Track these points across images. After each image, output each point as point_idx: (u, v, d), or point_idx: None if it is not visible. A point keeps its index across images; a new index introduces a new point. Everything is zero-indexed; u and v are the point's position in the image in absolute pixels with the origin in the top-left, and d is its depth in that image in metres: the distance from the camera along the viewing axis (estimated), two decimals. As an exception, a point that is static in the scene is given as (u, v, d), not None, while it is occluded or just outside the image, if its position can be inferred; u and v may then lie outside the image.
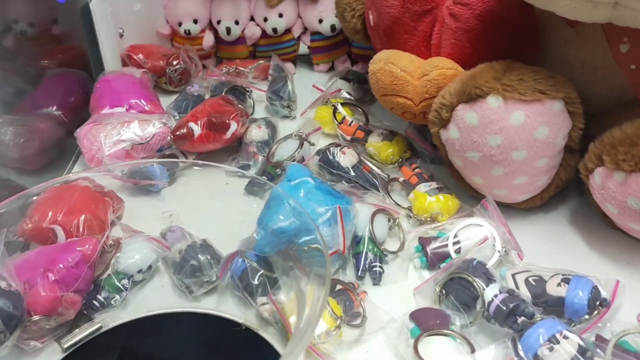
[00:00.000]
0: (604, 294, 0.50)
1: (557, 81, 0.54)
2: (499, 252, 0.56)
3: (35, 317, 0.48)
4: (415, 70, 0.62)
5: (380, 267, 0.56)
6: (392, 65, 0.62)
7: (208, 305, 0.54)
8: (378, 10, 0.66)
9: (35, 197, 0.57)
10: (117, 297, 0.53)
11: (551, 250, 0.59)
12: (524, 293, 0.52)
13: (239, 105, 0.71)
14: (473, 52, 0.62)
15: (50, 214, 0.56)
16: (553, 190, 0.61)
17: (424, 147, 0.69)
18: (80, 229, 0.57)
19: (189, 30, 0.86)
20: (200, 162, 0.62)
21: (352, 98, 0.79)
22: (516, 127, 0.54)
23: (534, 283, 0.52)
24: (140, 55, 0.83)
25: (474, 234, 0.57)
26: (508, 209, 0.63)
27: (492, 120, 0.54)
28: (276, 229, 0.52)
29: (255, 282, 0.52)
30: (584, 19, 0.50)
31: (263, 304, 0.51)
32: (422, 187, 0.63)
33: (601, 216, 0.60)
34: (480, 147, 0.56)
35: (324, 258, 0.47)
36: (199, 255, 0.54)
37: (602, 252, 0.59)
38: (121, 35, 0.84)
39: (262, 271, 0.52)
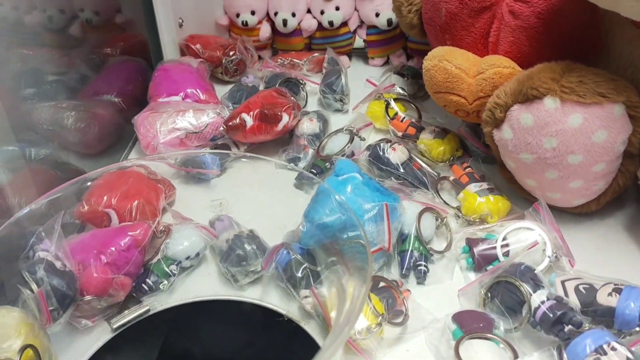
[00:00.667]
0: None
1: (619, 84, 0.52)
2: (549, 257, 0.54)
3: (87, 297, 0.50)
4: (470, 68, 0.61)
5: (425, 266, 0.56)
6: (447, 62, 0.61)
7: (252, 294, 0.55)
8: (435, 6, 0.65)
9: (91, 182, 0.59)
10: (165, 282, 0.55)
11: (605, 258, 0.58)
12: (573, 301, 0.50)
13: (292, 98, 0.71)
14: (532, 51, 0.60)
15: (105, 198, 0.58)
16: (610, 195, 0.59)
17: (476, 146, 0.68)
18: (133, 214, 0.58)
19: (246, 22, 0.87)
20: (249, 154, 0.62)
21: (406, 94, 0.78)
22: (573, 130, 0.52)
23: (584, 291, 0.51)
24: (198, 45, 0.85)
25: (524, 238, 0.56)
26: (562, 213, 0.61)
27: (548, 122, 0.53)
28: (321, 223, 0.52)
29: (299, 274, 0.52)
30: (650, 19, 0.48)
31: (305, 296, 0.52)
32: (473, 187, 0.62)
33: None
34: (535, 150, 0.54)
35: (367, 255, 0.47)
36: (246, 245, 0.55)
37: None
38: (180, 25, 0.86)
39: (305, 264, 0.53)
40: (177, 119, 0.70)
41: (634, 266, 0.56)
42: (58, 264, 0.48)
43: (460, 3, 0.63)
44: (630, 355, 0.44)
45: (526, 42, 0.60)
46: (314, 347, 0.51)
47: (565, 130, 0.52)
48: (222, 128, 0.70)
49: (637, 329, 0.48)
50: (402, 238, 0.57)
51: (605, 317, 0.49)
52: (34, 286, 0.46)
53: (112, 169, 0.59)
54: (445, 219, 0.60)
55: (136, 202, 0.59)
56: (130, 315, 0.53)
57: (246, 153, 0.63)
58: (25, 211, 0.49)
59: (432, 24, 0.68)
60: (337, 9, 0.85)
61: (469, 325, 0.49)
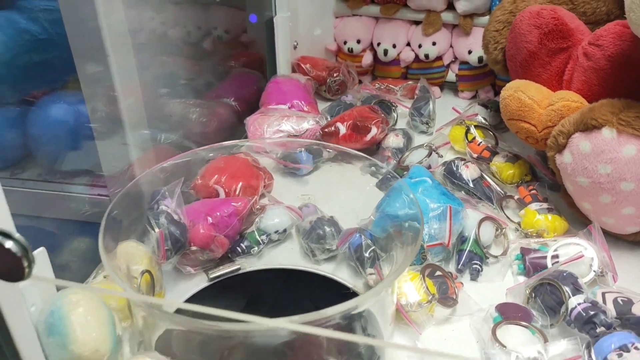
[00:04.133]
0: (688, 322, 0.53)
1: (674, 122, 0.58)
2: (594, 271, 0.60)
3: (194, 248, 0.62)
4: (542, 100, 0.68)
5: (480, 265, 0.63)
6: (522, 93, 0.69)
7: (326, 269, 0.65)
8: (517, 45, 0.73)
9: (207, 162, 0.71)
10: (256, 248, 0.66)
11: (652, 285, 0.62)
12: (610, 310, 0.56)
13: (382, 115, 0.81)
14: (601, 90, 0.67)
15: (216, 176, 0.70)
16: (663, 227, 0.63)
17: (544, 172, 0.75)
18: (237, 192, 0.70)
19: (351, 49, 0.99)
20: (343, 148, 0.70)
21: (487, 123, 0.86)
22: (627, 159, 0.58)
23: (621, 302, 0.56)
24: (308, 65, 0.97)
25: (573, 252, 0.62)
26: (617, 240, 0.66)
27: (604, 150, 0.59)
28: (391, 213, 0.61)
29: (367, 255, 0.61)
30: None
31: (370, 273, 0.61)
32: (534, 206, 0.69)
33: None
34: (590, 174, 0.61)
35: (421, 251, 0.56)
36: (325, 227, 0.65)
37: None
38: (295, 47, 0.99)
39: (373, 247, 0.62)
40: (281, 123, 0.82)
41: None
42: (175, 216, 0.60)
43: (539, 44, 0.71)
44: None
45: (596, 82, 0.67)
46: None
47: (619, 158, 0.58)
48: (318, 134, 0.81)
49: (666, 340, 0.53)
50: (462, 239, 0.65)
51: (638, 326, 0.54)
52: (156, 229, 0.58)
53: (224, 147, 0.69)
54: (504, 230, 0.67)
55: (240, 183, 0.71)
56: (224, 270, 0.64)
57: (343, 148, 0.71)
58: (157, 167, 0.60)
59: (513, 61, 0.76)
60: (434, 44, 0.95)
61: (509, 314, 0.56)
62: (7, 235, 0.33)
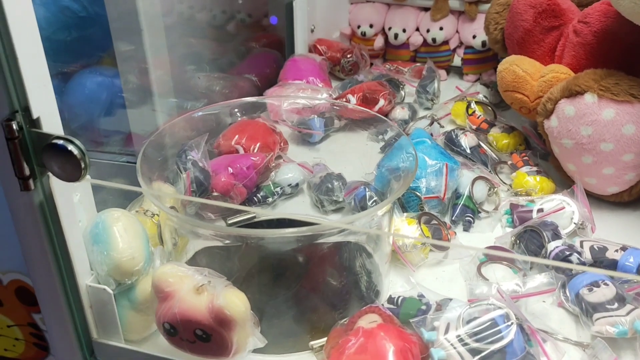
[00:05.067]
0: (656, 265, 0.59)
1: (650, 89, 0.64)
2: (575, 223, 0.66)
3: (215, 193, 0.69)
4: (535, 73, 0.75)
5: (472, 217, 0.70)
6: (516, 66, 0.75)
7: (334, 218, 0.72)
8: (514, 24, 0.80)
9: (229, 124, 0.79)
10: (271, 199, 0.73)
11: (631, 241, 0.67)
12: (586, 256, 0.62)
13: (390, 88, 0.88)
14: (588, 64, 0.73)
15: (236, 137, 0.78)
16: (641, 187, 0.70)
17: (537, 142, 0.81)
18: (255, 151, 0.77)
19: (364, 32, 1.06)
20: (360, 108, 0.77)
21: (488, 100, 0.92)
22: (606, 121, 0.65)
23: (597, 249, 0.63)
24: (324, 47, 1.05)
25: (557, 207, 0.68)
26: (599, 201, 0.73)
27: (586, 113, 0.65)
28: (391, 166, 0.68)
29: (370, 205, 0.68)
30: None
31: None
32: (524, 169, 0.75)
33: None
34: (574, 135, 0.67)
35: (419, 202, 0.63)
36: (334, 181, 0.72)
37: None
38: (312, 30, 1.07)
39: (375, 198, 0.69)
40: (297, 95, 0.90)
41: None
42: (200, 164, 0.68)
43: (534, 22, 0.77)
44: (620, 291, 0.55)
45: (584, 57, 0.74)
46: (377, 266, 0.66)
47: (599, 121, 0.65)
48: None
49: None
50: (457, 195, 0.71)
51: (609, 268, 0.60)
52: (184, 172, 0.66)
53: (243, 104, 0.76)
54: (496, 189, 0.73)
55: (259, 144, 0.78)
56: (241, 217, 0.71)
57: (358, 106, 0.77)
58: (185, 116, 0.68)
59: (511, 39, 0.83)
60: (441, 29, 1.02)
61: (494, 256, 0.63)
62: (70, 141, 0.41)
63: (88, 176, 0.54)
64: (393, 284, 0.61)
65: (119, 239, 0.50)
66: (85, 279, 0.51)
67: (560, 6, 0.76)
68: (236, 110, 0.73)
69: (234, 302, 0.47)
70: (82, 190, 0.52)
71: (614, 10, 0.70)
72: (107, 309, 0.51)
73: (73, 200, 0.49)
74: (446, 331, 0.51)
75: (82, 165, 0.41)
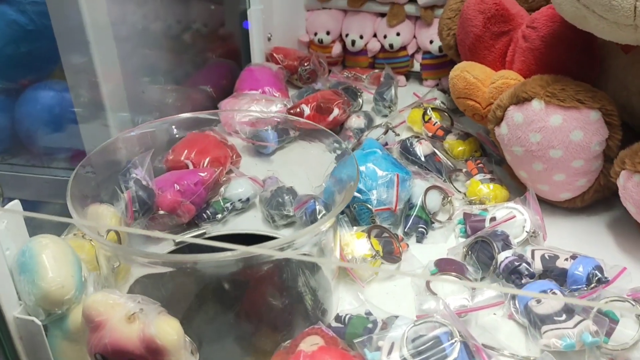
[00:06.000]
0: (606, 274, 0.58)
1: (597, 94, 0.64)
2: (527, 232, 0.65)
3: (161, 212, 0.67)
4: (486, 79, 0.74)
5: (425, 228, 0.69)
6: (467, 73, 0.75)
7: (284, 233, 0.70)
8: (465, 30, 0.79)
9: (178, 139, 0.77)
10: (220, 215, 0.71)
11: (583, 248, 0.67)
12: (537, 265, 0.61)
13: (344, 97, 0.87)
14: (537, 70, 0.72)
15: (186, 152, 0.76)
16: (593, 193, 0.69)
17: (491, 148, 0.80)
18: (205, 166, 0.76)
19: (321, 40, 1.05)
20: (311, 122, 0.75)
21: (445, 106, 0.92)
22: (554, 128, 0.64)
23: (547, 258, 0.62)
24: (280, 55, 1.03)
25: (508, 215, 0.67)
26: (553, 208, 0.72)
27: (534, 120, 0.65)
28: (337, 177, 0.66)
29: (319, 218, 0.67)
30: (615, 39, 0.60)
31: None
32: (478, 177, 0.74)
33: (635, 224, 0.67)
34: (523, 143, 0.66)
35: (370, 214, 0.62)
36: (284, 195, 0.71)
37: (629, 253, 0.66)
38: (269, 39, 1.05)
39: (324, 212, 0.67)
40: (252, 106, 0.88)
41: (607, 255, 0.65)
42: (144, 182, 0.66)
43: (483, 27, 0.77)
44: (568, 303, 0.55)
45: (533, 62, 0.73)
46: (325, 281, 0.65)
47: (547, 127, 0.64)
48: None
49: (584, 288, 0.58)
50: (410, 206, 0.70)
51: (559, 277, 0.59)
52: (125, 192, 0.64)
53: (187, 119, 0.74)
54: (450, 198, 0.72)
55: (208, 158, 0.76)
56: (190, 234, 0.70)
57: (308, 120, 0.76)
58: (127, 134, 0.66)
59: (462, 45, 0.82)
60: (398, 34, 1.01)
61: (444, 268, 0.61)
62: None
63: (16, 201, 0.52)
64: (342, 301, 0.60)
65: (47, 267, 0.48)
66: (12, 310, 0.49)
67: (509, 11, 0.75)
68: (175, 127, 0.71)
69: (166, 330, 0.45)
70: (9, 217, 0.50)
71: (560, 15, 0.69)
72: (37, 341, 0.49)
73: (-5, 229, 0.47)
74: (390, 351, 0.49)
75: (-5, 196, 0.39)
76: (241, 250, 0.44)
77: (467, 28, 0.79)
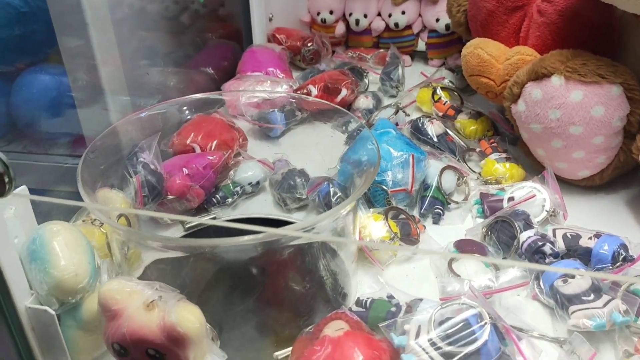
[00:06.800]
0: (631, 252, 0.57)
1: (618, 69, 0.62)
2: (547, 211, 0.64)
3: (170, 197, 0.65)
4: (500, 56, 0.72)
5: (442, 209, 0.67)
6: (481, 49, 0.73)
7: (297, 217, 0.68)
8: (477, 5, 0.77)
9: (184, 122, 0.75)
10: (230, 199, 0.69)
11: (601, 225, 0.65)
12: (560, 244, 0.60)
13: (352, 77, 0.85)
14: (554, 45, 0.71)
15: (192, 135, 0.74)
16: (612, 170, 0.67)
17: (505, 127, 0.79)
18: (212, 149, 0.73)
19: (325, 19, 1.03)
20: (318, 100, 0.73)
21: (454, 85, 0.90)
22: (574, 104, 0.62)
23: (570, 237, 0.60)
24: (283, 36, 1.01)
25: (527, 195, 0.66)
26: (570, 186, 0.70)
27: (554, 96, 0.63)
28: (354, 159, 0.64)
29: (334, 201, 0.65)
30: (638, 10, 0.58)
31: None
32: (493, 156, 0.73)
33: (655, 200, 0.66)
34: (542, 120, 0.65)
35: (385, 196, 0.60)
36: (296, 177, 0.69)
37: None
38: (270, 19, 1.03)
39: (339, 194, 0.65)
40: (256, 87, 0.86)
41: (626, 233, 0.64)
42: (152, 166, 0.64)
43: (497, 2, 0.74)
44: (595, 282, 0.53)
45: (549, 37, 0.71)
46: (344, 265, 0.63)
47: (567, 103, 0.62)
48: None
49: (610, 266, 0.57)
50: (425, 187, 0.69)
51: (584, 257, 0.58)
52: (134, 176, 0.61)
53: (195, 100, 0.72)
54: (465, 178, 0.71)
55: (216, 141, 0.74)
56: (200, 219, 0.67)
57: (317, 99, 0.74)
58: (135, 116, 0.63)
59: (474, 21, 0.80)
60: (403, 13, 0.99)
61: (464, 249, 0.60)
62: (-11, 152, 0.37)
63: (24, 186, 0.50)
64: (361, 285, 0.58)
65: (60, 254, 0.46)
66: (24, 300, 0.46)
67: (523, -15, 0.73)
68: (185, 108, 0.69)
69: (187, 318, 0.43)
70: (17, 203, 0.47)
71: (578, -12, 0.67)
72: (51, 331, 0.47)
73: (3, 215, 0.44)
74: (417, 335, 0.48)
75: (7, 180, 0.37)
76: (267, 232, 0.42)
77: (479, 3, 0.76)
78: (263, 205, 0.71)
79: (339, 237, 0.51)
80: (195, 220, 0.64)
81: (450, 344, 0.46)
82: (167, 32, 1.01)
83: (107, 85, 0.83)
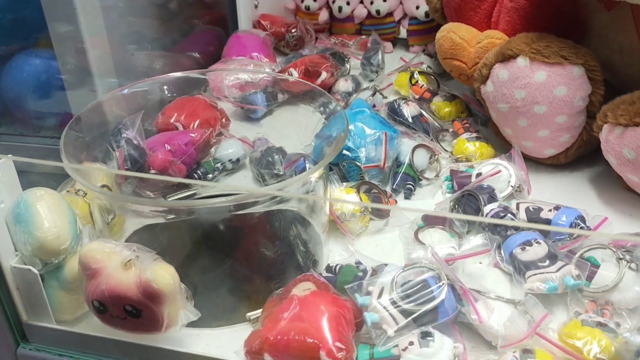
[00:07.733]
0: (588, 223, 0.60)
1: (580, 51, 0.65)
2: (512, 186, 0.67)
3: (152, 171, 0.68)
4: (471, 39, 0.75)
5: (413, 185, 0.70)
6: (453, 33, 0.76)
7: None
8: (451, -10, 0.80)
9: (168, 102, 0.77)
10: (211, 175, 0.72)
11: (567, 201, 0.69)
12: (522, 217, 0.63)
13: (332, 61, 0.88)
14: (522, 29, 0.73)
15: (175, 114, 0.76)
16: (576, 149, 0.71)
17: (477, 109, 0.82)
18: (195, 128, 0.76)
19: (308, 7, 1.06)
20: (300, 79, 0.76)
21: (432, 70, 0.93)
22: (538, 84, 0.65)
23: (532, 210, 0.63)
24: (267, 22, 1.03)
25: (493, 170, 0.69)
26: (537, 165, 0.74)
27: (519, 76, 0.66)
28: (325, 135, 0.67)
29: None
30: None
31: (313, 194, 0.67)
32: (464, 136, 0.76)
33: (616, 178, 0.69)
34: (508, 99, 0.68)
35: (359, 172, 0.63)
36: (274, 154, 0.72)
37: (610, 205, 0.68)
38: (256, 6, 1.05)
39: (316, 169, 0.68)
40: (239, 70, 0.88)
41: (588, 206, 0.67)
42: (135, 142, 0.67)
43: (469, -12, 0.77)
44: (551, 249, 0.56)
45: (518, 22, 0.74)
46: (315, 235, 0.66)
47: (532, 83, 0.65)
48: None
49: (567, 238, 0.60)
50: (398, 163, 0.72)
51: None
52: (117, 150, 0.64)
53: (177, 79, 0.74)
54: (437, 156, 0.74)
55: (198, 121, 0.77)
56: (181, 194, 0.70)
57: (299, 79, 0.77)
58: (119, 92, 0.66)
59: (448, 7, 0.83)
60: (384, 0, 1.02)
61: (432, 221, 0.63)
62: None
63: (9, 155, 0.53)
64: (332, 253, 0.61)
65: (43, 217, 0.49)
66: (9, 260, 0.49)
67: (494, -28, 0.76)
68: (166, 87, 0.72)
69: (162, 275, 0.46)
70: (2, 170, 0.50)
71: (545, -26, 0.70)
72: (35, 290, 0.50)
73: (-10, 180, 0.47)
74: (380, 295, 0.51)
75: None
76: (242, 194, 0.45)
77: (453, -11, 0.79)
78: (243, 181, 0.74)
79: (309, 195, 0.53)
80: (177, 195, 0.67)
81: (409, 302, 0.49)
82: (155, 18, 1.03)
83: (96, 68, 0.86)
